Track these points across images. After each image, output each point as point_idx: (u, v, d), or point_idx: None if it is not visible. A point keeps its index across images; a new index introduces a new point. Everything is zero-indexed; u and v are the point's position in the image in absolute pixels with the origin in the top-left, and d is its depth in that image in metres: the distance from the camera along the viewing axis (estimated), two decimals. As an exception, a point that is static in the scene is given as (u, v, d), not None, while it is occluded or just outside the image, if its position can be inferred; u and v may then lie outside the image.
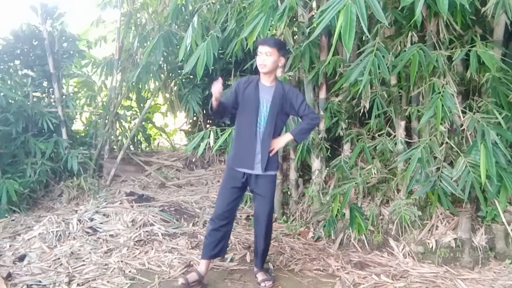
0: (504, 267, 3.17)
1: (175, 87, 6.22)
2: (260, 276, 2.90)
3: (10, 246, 3.51)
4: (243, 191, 2.87)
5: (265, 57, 2.65)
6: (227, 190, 2.81)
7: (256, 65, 2.74)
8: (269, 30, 3.09)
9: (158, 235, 3.70)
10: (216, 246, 2.83)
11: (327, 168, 4.00)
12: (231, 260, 3.26)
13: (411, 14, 2.47)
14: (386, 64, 3.08)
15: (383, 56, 2.88)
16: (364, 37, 3.97)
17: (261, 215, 2.82)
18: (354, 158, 3.68)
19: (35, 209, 4.69)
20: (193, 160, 6.12)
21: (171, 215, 4.19)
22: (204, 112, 6.16)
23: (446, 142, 3.18)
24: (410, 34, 3.13)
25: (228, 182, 2.81)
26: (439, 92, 2.96)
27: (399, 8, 2.95)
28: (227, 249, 3.03)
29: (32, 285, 2.82)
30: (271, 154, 2.75)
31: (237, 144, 2.79)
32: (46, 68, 5.29)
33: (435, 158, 3.21)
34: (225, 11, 4.04)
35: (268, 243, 2.94)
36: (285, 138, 2.82)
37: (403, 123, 3.57)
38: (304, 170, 4.43)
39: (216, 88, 2.47)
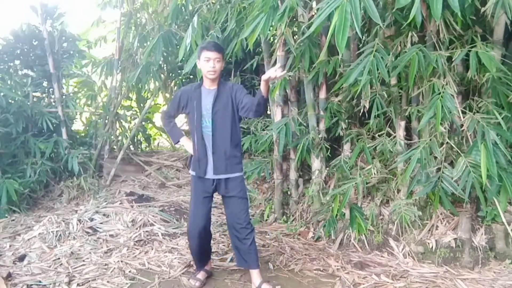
0: (504, 267, 3.17)
1: (175, 87, 6.22)
2: (261, 284, 2.81)
3: (10, 246, 3.51)
4: (213, 198, 2.87)
5: (214, 63, 2.66)
6: (200, 201, 2.79)
7: (204, 70, 2.70)
8: (269, 30, 3.09)
9: (158, 235, 3.70)
10: (206, 254, 2.97)
11: (327, 168, 4.00)
12: (231, 260, 3.26)
13: (411, 13, 2.47)
14: (386, 65, 3.08)
15: (382, 58, 2.88)
16: (364, 37, 3.97)
17: (240, 215, 2.77)
18: (354, 158, 3.68)
19: (35, 209, 4.69)
20: (193, 160, 6.11)
21: (171, 215, 4.19)
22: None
23: (447, 142, 3.18)
24: (410, 34, 3.13)
25: (198, 192, 2.80)
26: (439, 93, 2.96)
27: (396, 8, 2.95)
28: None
29: (32, 285, 2.82)
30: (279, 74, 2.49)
31: (195, 151, 2.78)
32: (46, 68, 5.29)
33: (435, 158, 3.21)
34: (225, 11, 4.04)
35: (253, 237, 2.85)
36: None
37: (403, 123, 3.57)
38: (304, 170, 4.43)
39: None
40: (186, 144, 2.89)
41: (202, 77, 2.80)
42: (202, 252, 2.90)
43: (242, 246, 2.80)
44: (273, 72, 2.42)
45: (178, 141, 2.95)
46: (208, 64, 2.66)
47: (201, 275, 2.92)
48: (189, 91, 2.80)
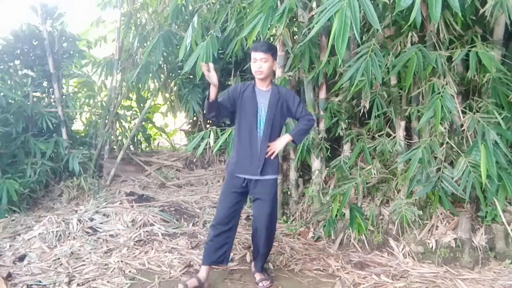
0: (504, 267, 3.17)
1: (175, 87, 6.22)
2: (258, 276, 2.90)
3: (10, 246, 3.51)
4: (244, 196, 2.86)
5: (261, 64, 2.67)
6: (228, 195, 2.80)
7: (252, 70, 2.73)
8: (268, 30, 3.09)
9: (158, 235, 3.70)
10: (217, 252, 2.78)
11: (327, 168, 4.00)
12: (231, 260, 3.25)
13: (411, 14, 2.47)
14: (386, 65, 3.08)
15: (378, 59, 2.88)
16: (364, 36, 3.97)
17: (260, 219, 2.79)
18: (354, 158, 3.68)
19: (35, 209, 4.69)
20: (193, 160, 6.12)
21: (171, 215, 4.19)
22: (204, 112, 6.16)
23: (447, 142, 3.18)
24: (410, 34, 3.13)
25: (229, 187, 2.81)
26: (439, 92, 2.95)
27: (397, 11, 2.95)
28: (230, 257, 2.94)
29: (32, 285, 2.82)
30: (272, 157, 2.75)
31: (238, 149, 2.79)
32: (46, 68, 5.29)
33: (435, 158, 3.20)
34: (225, 11, 4.04)
35: (270, 246, 2.92)
36: (284, 139, 2.81)
37: (403, 123, 3.57)
38: (304, 170, 4.43)
39: (213, 75, 2.46)
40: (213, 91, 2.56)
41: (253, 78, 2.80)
42: (211, 246, 2.78)
43: (257, 251, 2.89)
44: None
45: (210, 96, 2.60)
46: (255, 64, 2.68)
47: (191, 281, 2.75)
48: (243, 88, 2.78)
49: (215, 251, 2.78)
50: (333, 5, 2.25)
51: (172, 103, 6.44)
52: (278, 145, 2.78)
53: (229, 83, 5.05)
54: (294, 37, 3.96)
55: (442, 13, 2.44)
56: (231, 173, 2.81)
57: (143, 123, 6.39)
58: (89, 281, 2.88)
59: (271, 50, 2.70)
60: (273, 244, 3.61)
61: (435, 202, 3.17)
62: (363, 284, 2.93)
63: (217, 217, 2.80)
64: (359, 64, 2.86)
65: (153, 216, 4.04)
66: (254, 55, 2.68)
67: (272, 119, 2.74)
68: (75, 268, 3.07)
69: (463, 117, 3.07)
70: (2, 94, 4.69)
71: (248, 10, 3.66)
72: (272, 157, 2.75)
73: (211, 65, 2.48)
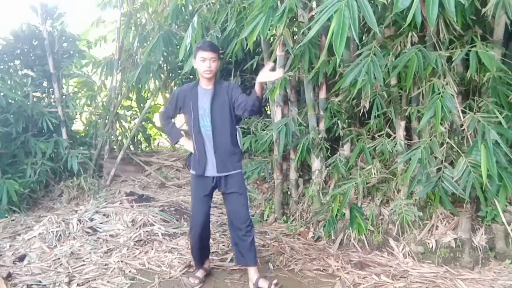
0: (504, 267, 3.17)
1: (175, 87, 6.22)
2: (263, 282, 2.83)
3: (10, 246, 3.51)
4: (212, 196, 2.91)
5: (210, 63, 2.69)
6: (200, 199, 2.83)
7: (201, 69, 2.73)
8: (269, 30, 3.09)
9: (158, 235, 3.70)
10: (206, 250, 3.01)
11: (327, 168, 4.00)
12: (231, 260, 3.26)
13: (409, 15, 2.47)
14: (386, 65, 3.08)
15: (379, 61, 2.88)
16: (364, 37, 3.97)
17: (242, 210, 2.80)
18: (354, 158, 3.68)
19: (35, 209, 4.69)
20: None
21: (171, 215, 4.19)
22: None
23: (447, 142, 3.18)
24: (410, 34, 3.13)
25: (199, 191, 2.83)
26: (439, 93, 2.95)
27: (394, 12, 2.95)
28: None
29: (32, 285, 2.83)
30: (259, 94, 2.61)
31: (195, 151, 2.81)
32: (46, 68, 5.29)
33: (435, 158, 3.20)
34: (225, 11, 4.04)
35: (253, 237, 2.87)
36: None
37: (403, 123, 3.57)
38: (304, 170, 4.42)
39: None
40: (186, 144, 2.91)
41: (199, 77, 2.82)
42: (202, 249, 2.94)
43: (242, 243, 2.82)
44: (269, 76, 2.50)
45: (178, 141, 2.97)
46: (204, 64, 2.69)
47: (200, 273, 2.96)
48: (185, 91, 2.83)
49: (206, 253, 3.02)
50: (332, 5, 2.25)
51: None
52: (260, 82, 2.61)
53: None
54: (294, 37, 3.96)
55: (439, 15, 2.44)
56: (197, 176, 2.81)
57: (143, 123, 6.39)
58: (89, 281, 2.88)
59: (218, 49, 2.76)
60: (273, 244, 3.64)
61: (436, 202, 3.18)
62: (363, 284, 2.93)
63: (195, 223, 2.82)
64: (361, 67, 2.85)
65: (153, 216, 4.04)
66: (203, 54, 2.68)
67: (220, 115, 2.74)
68: (75, 268, 3.07)
69: (463, 117, 3.07)
70: (2, 94, 4.69)
71: (248, 11, 3.66)
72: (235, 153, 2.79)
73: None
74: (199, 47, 2.72)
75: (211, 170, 2.77)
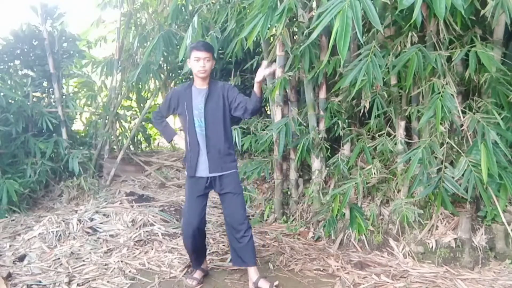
0: (504, 267, 3.17)
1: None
2: (263, 283, 2.83)
3: (10, 246, 3.51)
4: (207, 196, 2.90)
5: (204, 63, 2.69)
6: (194, 201, 2.80)
7: (195, 69, 2.73)
8: (268, 30, 3.09)
9: (158, 235, 3.70)
10: (201, 252, 2.95)
11: (327, 168, 4.00)
12: (231, 260, 3.26)
13: (411, 14, 2.46)
14: (386, 65, 3.08)
15: (379, 62, 2.88)
16: (364, 37, 3.97)
17: (239, 211, 2.79)
18: (354, 158, 3.68)
19: (35, 209, 4.70)
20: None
21: (171, 215, 4.19)
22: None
23: (447, 142, 3.18)
24: (410, 34, 3.13)
25: (193, 192, 2.80)
26: (439, 92, 2.95)
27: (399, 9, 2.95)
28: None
29: (32, 285, 2.82)
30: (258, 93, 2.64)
31: (188, 151, 2.80)
32: (46, 68, 5.29)
33: (435, 158, 3.20)
34: (225, 11, 4.04)
35: (251, 235, 2.85)
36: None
37: (403, 123, 3.57)
38: (304, 170, 4.43)
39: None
40: (180, 142, 2.94)
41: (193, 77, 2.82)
42: (197, 251, 2.90)
43: (239, 245, 2.80)
44: (263, 71, 2.54)
45: (172, 140, 3.00)
46: (198, 63, 2.69)
47: (197, 274, 2.94)
48: (179, 92, 2.82)
49: (202, 254, 2.98)
50: (334, 6, 2.24)
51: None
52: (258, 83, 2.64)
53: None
54: (294, 37, 3.96)
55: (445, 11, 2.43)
56: (191, 176, 2.80)
57: (143, 123, 6.39)
58: (89, 281, 2.88)
59: (212, 49, 2.77)
60: (273, 244, 3.64)
61: (438, 203, 3.16)
62: (363, 284, 2.93)
63: (189, 224, 2.78)
64: (360, 66, 2.85)
65: (153, 216, 4.04)
66: (197, 54, 2.68)
67: (213, 115, 2.74)
68: (75, 268, 3.07)
69: (463, 117, 3.07)
70: (2, 94, 4.69)
71: (248, 11, 3.66)
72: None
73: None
74: (193, 47, 2.72)
75: (204, 171, 2.76)
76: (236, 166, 2.85)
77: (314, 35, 2.42)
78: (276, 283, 2.87)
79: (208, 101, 2.73)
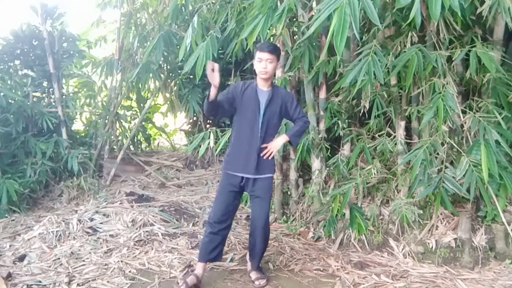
0: (504, 267, 3.17)
1: (175, 87, 6.22)
2: (254, 274, 2.91)
3: (10, 246, 3.51)
4: (240, 194, 2.90)
5: (266, 64, 2.67)
6: (225, 194, 2.81)
7: (257, 70, 2.73)
8: (268, 30, 3.09)
9: (158, 235, 3.70)
10: (214, 250, 2.83)
11: (327, 168, 4.00)
12: (231, 260, 3.26)
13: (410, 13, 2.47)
14: (386, 65, 3.08)
15: (379, 60, 2.88)
16: (364, 36, 3.97)
17: (259, 217, 2.82)
18: (354, 158, 3.68)
19: (35, 209, 4.69)
20: (193, 160, 6.12)
21: (171, 215, 4.19)
22: (204, 111, 6.17)
23: (447, 142, 3.18)
24: (410, 34, 3.13)
25: (226, 186, 2.81)
26: (440, 92, 2.95)
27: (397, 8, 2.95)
28: (223, 253, 3.00)
29: (32, 285, 2.82)
30: (270, 157, 2.77)
31: (235, 148, 2.80)
32: (46, 68, 5.29)
33: (435, 158, 3.20)
34: (225, 11, 4.04)
35: (266, 244, 2.94)
36: (281, 140, 2.84)
37: (403, 123, 3.57)
38: (304, 170, 4.43)
39: (216, 76, 2.46)
40: (213, 92, 2.54)
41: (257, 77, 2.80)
42: (210, 239, 2.80)
43: (254, 248, 2.89)
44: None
45: (210, 94, 2.56)
46: (260, 64, 2.68)
47: (190, 279, 2.77)
48: (246, 88, 2.78)
49: (213, 249, 2.82)
50: (333, 3, 2.24)
51: (172, 103, 6.44)
52: (275, 145, 2.80)
53: (229, 83, 5.05)
54: (294, 37, 3.96)
55: (442, 12, 2.44)
56: (227, 171, 2.81)
57: (143, 123, 6.39)
58: (89, 281, 2.88)
59: (277, 51, 2.72)
60: (273, 244, 3.64)
61: (437, 203, 3.16)
62: (363, 284, 2.92)
63: (214, 215, 2.80)
64: (361, 66, 2.85)
65: (153, 216, 4.03)
66: (260, 55, 2.67)
67: (270, 119, 2.76)
68: (75, 268, 3.07)
69: (463, 117, 3.07)
70: (2, 94, 4.69)
71: (248, 11, 3.66)
72: (270, 157, 2.78)
73: (216, 65, 2.47)
74: (258, 48, 2.72)
75: (246, 170, 2.76)
76: (274, 171, 2.89)
77: (310, 31, 2.42)
78: (263, 281, 2.87)
79: (269, 104, 2.74)
